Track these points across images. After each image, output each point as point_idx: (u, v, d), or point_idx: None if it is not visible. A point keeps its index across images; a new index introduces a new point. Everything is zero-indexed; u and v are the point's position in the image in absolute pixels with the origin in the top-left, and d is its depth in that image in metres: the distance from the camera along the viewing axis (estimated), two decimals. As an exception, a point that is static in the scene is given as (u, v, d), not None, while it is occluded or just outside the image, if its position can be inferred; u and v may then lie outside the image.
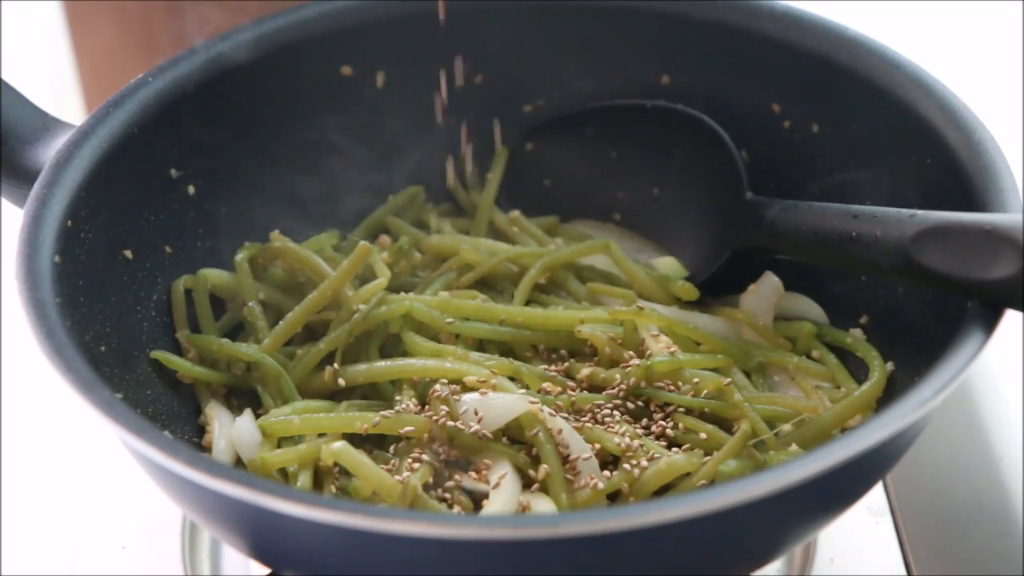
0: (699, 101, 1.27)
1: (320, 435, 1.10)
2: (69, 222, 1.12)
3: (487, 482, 1.06)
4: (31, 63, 1.35)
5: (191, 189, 1.22)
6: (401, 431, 1.08)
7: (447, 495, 1.06)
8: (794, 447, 1.10)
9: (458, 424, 1.07)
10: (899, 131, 1.21)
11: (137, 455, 1.01)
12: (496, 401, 1.08)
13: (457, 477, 1.07)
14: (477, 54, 1.31)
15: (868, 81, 1.23)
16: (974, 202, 1.11)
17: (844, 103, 1.24)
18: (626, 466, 1.06)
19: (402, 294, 1.18)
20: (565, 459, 1.07)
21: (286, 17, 1.29)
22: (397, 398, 1.12)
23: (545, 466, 1.06)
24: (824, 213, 1.14)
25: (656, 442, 1.09)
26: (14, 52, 1.34)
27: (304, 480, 1.07)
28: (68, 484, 1.22)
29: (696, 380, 1.12)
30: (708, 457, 1.07)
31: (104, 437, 1.18)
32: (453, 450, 1.08)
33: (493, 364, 1.12)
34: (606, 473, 1.07)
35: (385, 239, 1.28)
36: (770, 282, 1.22)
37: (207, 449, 1.13)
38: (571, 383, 1.13)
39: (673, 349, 1.14)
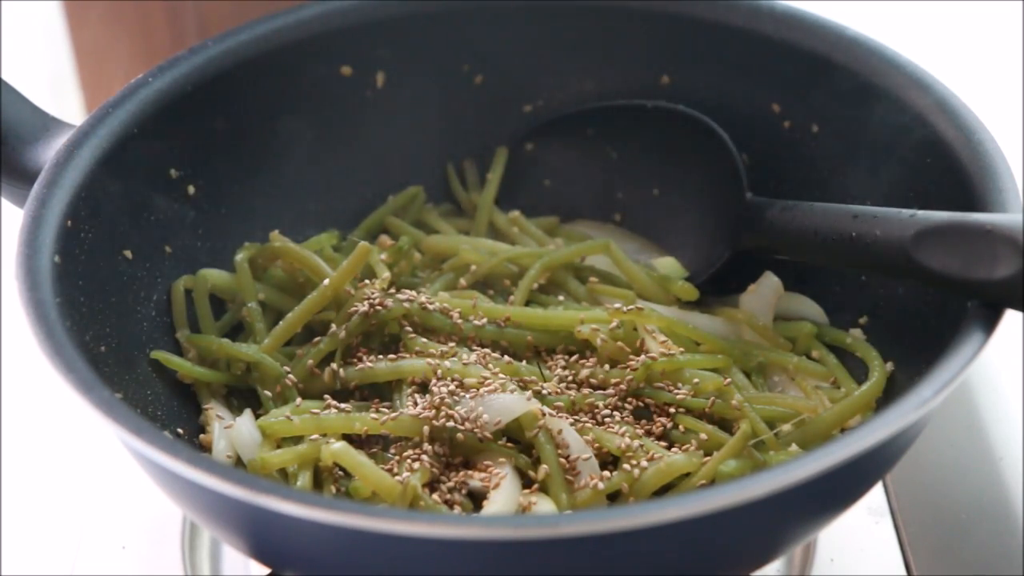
0: (699, 101, 1.27)
1: (320, 435, 1.10)
2: (69, 222, 1.12)
3: (487, 482, 1.06)
4: (31, 63, 1.35)
5: (191, 189, 1.22)
6: (401, 431, 1.08)
7: (447, 495, 1.06)
8: (794, 447, 1.10)
9: (458, 424, 1.07)
10: (899, 131, 1.21)
11: (137, 455, 1.01)
12: (496, 401, 1.08)
13: (457, 477, 1.07)
14: (477, 54, 1.31)
15: (868, 81, 1.24)
16: (974, 202, 1.12)
17: (844, 103, 1.24)
18: (626, 466, 1.06)
19: (404, 293, 1.18)
20: (565, 459, 1.07)
21: (286, 17, 1.29)
22: (397, 398, 1.12)
23: (545, 466, 1.06)
24: (824, 213, 1.14)
25: (656, 442, 1.09)
26: (14, 52, 1.34)
27: (304, 480, 1.07)
28: (68, 484, 1.22)
29: (696, 380, 1.12)
30: (708, 457, 1.07)
31: (104, 437, 1.18)
32: (453, 450, 1.08)
33: (496, 364, 1.12)
34: (606, 473, 1.07)
35: (385, 239, 1.28)
36: (770, 282, 1.22)
37: (207, 449, 1.13)
38: (571, 383, 1.13)
39: (673, 351, 1.14)
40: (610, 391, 1.12)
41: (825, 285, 1.22)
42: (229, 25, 1.30)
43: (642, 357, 1.12)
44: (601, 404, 1.11)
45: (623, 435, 1.08)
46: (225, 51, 1.27)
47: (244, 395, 1.18)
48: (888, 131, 1.22)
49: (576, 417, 1.10)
